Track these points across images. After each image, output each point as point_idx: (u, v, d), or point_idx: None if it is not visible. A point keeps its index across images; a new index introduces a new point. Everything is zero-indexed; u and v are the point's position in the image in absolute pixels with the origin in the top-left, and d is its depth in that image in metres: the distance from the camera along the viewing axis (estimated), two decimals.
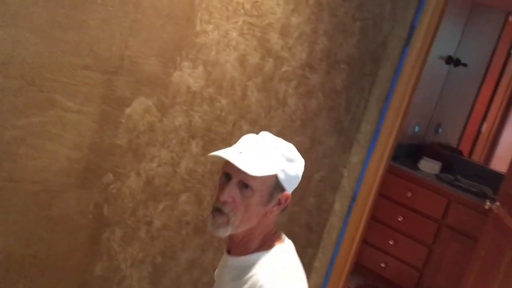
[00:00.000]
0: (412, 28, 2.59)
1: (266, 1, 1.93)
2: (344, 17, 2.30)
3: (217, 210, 1.32)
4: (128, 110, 1.67)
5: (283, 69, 2.14)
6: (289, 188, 1.36)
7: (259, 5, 1.91)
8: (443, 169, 3.80)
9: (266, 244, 1.36)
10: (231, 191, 1.30)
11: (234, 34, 1.87)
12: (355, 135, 2.70)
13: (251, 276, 1.31)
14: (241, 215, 1.32)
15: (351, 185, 2.75)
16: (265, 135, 1.40)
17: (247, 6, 1.87)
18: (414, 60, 2.62)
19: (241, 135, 2.07)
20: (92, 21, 1.48)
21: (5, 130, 1.39)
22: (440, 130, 4.23)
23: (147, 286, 1.92)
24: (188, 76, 1.79)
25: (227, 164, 1.31)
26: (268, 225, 1.38)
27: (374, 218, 3.47)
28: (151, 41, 1.65)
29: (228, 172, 1.32)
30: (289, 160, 1.35)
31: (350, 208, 2.77)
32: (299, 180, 1.40)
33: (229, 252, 1.41)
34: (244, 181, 1.31)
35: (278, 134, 2.24)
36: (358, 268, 3.58)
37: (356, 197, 2.76)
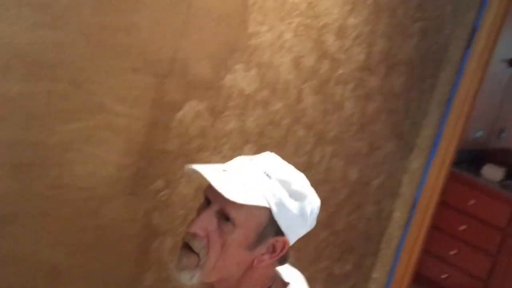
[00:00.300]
0: (473, 30, 2.48)
1: (323, 2, 1.84)
2: (403, 18, 2.18)
3: (185, 246, 1.00)
4: (179, 115, 1.61)
5: (340, 72, 2.04)
6: (289, 231, 1.02)
7: (315, 5, 1.82)
8: (507, 176, 3.61)
9: None
10: (205, 221, 0.98)
11: (288, 35, 1.79)
12: (415, 140, 2.57)
13: None
14: (215, 257, 0.99)
15: (411, 192, 2.62)
16: (267, 156, 1.10)
17: (303, 6, 1.78)
18: (476, 63, 2.52)
19: (296, 139, 2.00)
20: (142, 23, 1.43)
21: (52, 135, 1.35)
22: (503, 135, 4.03)
23: None
24: (241, 79, 1.72)
25: (209, 185, 0.98)
26: (258, 278, 1.04)
27: (435, 227, 3.30)
28: (202, 43, 1.58)
29: (207, 195, 1.02)
30: (293, 193, 1.01)
31: (410, 216, 2.64)
32: (308, 224, 1.06)
33: None
34: (224, 211, 0.98)
35: (335, 139, 2.15)
36: (419, 278, 3.42)
37: (416, 204, 2.63)
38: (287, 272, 1.13)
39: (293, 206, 1.01)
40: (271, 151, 1.87)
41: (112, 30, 1.37)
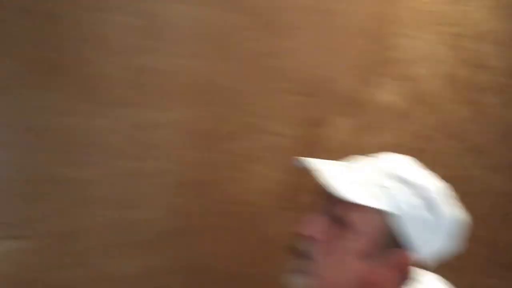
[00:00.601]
0: None
1: (471, 9, 1.83)
2: None
3: (295, 249, 0.92)
4: (325, 131, 1.68)
5: (493, 80, 1.99)
6: (415, 245, 0.86)
7: (463, 12, 1.82)
8: None
9: None
10: (318, 224, 0.89)
11: (435, 45, 1.80)
12: None
13: None
14: (327, 263, 0.88)
15: None
16: (397, 157, 0.93)
17: (450, 14, 1.79)
18: None
19: (447, 153, 1.97)
20: (293, 46, 1.54)
21: (220, 154, 1.48)
22: None
23: None
24: (387, 92, 1.76)
25: (322, 183, 0.88)
26: None
27: None
28: (346, 60, 1.66)
29: (321, 194, 0.91)
30: (424, 201, 0.86)
31: None
32: (445, 240, 0.89)
33: None
34: (340, 213, 0.87)
35: (489, 149, 2.06)
36: None
37: None
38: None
39: (422, 215, 0.86)
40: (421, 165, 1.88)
41: (267, 56, 1.50)
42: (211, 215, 1.49)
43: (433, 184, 0.89)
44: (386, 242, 0.86)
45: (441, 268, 1.00)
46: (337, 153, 1.72)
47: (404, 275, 0.87)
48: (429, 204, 0.86)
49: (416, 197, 0.86)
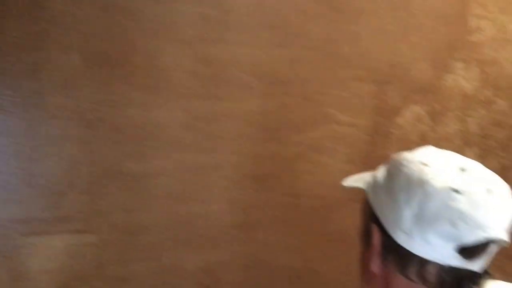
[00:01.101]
0: None
1: None
2: None
3: None
4: (399, 120, 1.60)
5: None
6: (384, 221, 0.82)
7: None
8: None
9: None
10: None
11: None
12: None
13: None
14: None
15: None
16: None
17: None
18: None
19: None
20: (363, 32, 1.45)
21: (285, 147, 1.43)
22: None
23: None
24: (462, 78, 1.65)
25: None
26: None
27: None
28: (421, 45, 1.55)
29: None
30: (390, 175, 0.86)
31: None
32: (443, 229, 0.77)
33: None
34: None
35: None
36: None
37: None
38: None
39: (382, 186, 0.85)
40: (495, 154, 1.78)
41: (336, 42, 1.42)
42: (278, 208, 1.45)
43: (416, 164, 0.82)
44: (367, 223, 0.86)
45: None
46: (412, 143, 1.64)
47: (384, 257, 0.83)
48: (389, 175, 0.85)
49: (383, 172, 0.88)
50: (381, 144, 1.59)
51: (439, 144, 1.68)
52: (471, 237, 0.75)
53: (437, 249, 0.78)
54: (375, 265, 0.85)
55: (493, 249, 0.79)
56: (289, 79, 1.37)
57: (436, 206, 0.77)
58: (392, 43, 1.50)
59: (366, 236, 0.87)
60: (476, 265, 0.79)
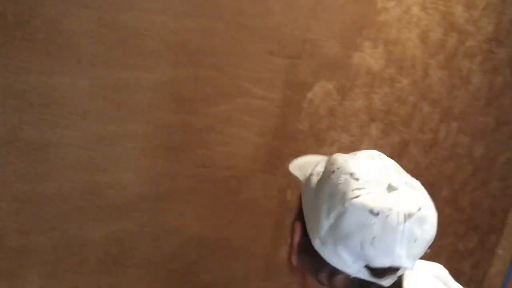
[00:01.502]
0: None
1: None
2: None
3: None
4: (309, 95, 1.65)
5: (467, 44, 1.97)
6: (306, 218, 0.86)
7: None
8: None
9: None
10: None
11: (416, 9, 1.76)
12: None
13: None
14: None
15: None
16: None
17: None
18: None
19: (422, 116, 1.98)
20: (276, 6, 1.47)
21: (197, 118, 1.44)
22: None
23: None
24: (369, 56, 1.72)
25: None
26: None
27: None
28: (332, 23, 1.60)
29: None
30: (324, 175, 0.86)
31: None
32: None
33: None
34: None
35: (461, 114, 2.09)
36: None
37: None
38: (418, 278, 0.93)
39: (312, 183, 0.87)
40: (397, 128, 1.88)
41: (249, 15, 1.43)
42: (189, 179, 1.46)
43: (341, 161, 0.84)
44: (294, 218, 0.88)
45: None
46: (322, 117, 1.70)
47: (300, 256, 0.87)
48: (324, 176, 0.85)
49: (321, 169, 0.88)
50: (292, 118, 1.64)
51: (346, 119, 1.76)
52: (378, 262, 0.78)
53: (346, 263, 0.80)
54: (294, 260, 0.88)
55: (404, 270, 0.82)
56: (201, 50, 1.37)
57: (350, 225, 0.78)
58: (304, 19, 1.54)
59: (292, 229, 0.89)
60: (385, 281, 0.81)
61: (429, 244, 0.83)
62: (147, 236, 1.43)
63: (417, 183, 0.84)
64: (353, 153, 0.89)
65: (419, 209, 0.79)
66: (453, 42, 1.92)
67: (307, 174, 0.92)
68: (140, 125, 1.33)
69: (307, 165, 0.96)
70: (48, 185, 1.27)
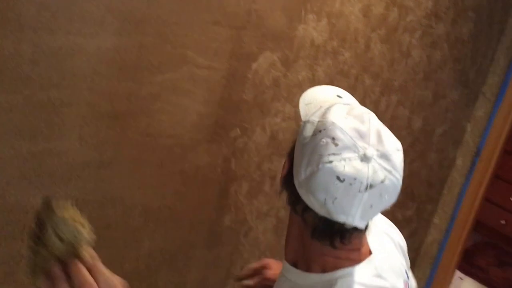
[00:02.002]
0: None
1: None
2: None
3: None
4: (254, 65, 1.67)
5: (408, 19, 2.04)
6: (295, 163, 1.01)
7: None
8: None
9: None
10: None
11: None
12: (480, 88, 2.56)
13: None
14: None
15: (474, 140, 2.62)
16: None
17: None
18: None
19: (363, 88, 2.04)
20: None
21: (142, 87, 1.44)
22: None
23: (272, 237, 1.97)
24: (312, 29, 1.76)
25: None
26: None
27: (495, 175, 3.31)
28: None
29: None
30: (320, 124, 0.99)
31: (473, 164, 2.65)
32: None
33: None
34: None
35: (400, 87, 2.17)
36: (477, 225, 3.45)
37: (480, 152, 2.64)
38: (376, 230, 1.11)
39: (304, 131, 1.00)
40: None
41: None
42: (133, 147, 1.46)
43: (335, 113, 0.98)
44: (290, 148, 1.05)
45: None
46: (266, 88, 1.73)
47: (284, 185, 1.03)
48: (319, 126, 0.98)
49: (317, 118, 0.99)
50: (236, 88, 1.66)
51: (290, 90, 1.80)
52: (335, 217, 0.94)
53: (315, 206, 0.95)
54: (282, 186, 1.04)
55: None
56: (146, 18, 1.37)
57: (319, 183, 0.92)
58: None
59: (285, 159, 1.04)
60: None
61: (385, 209, 0.97)
62: (91, 204, 1.43)
63: (396, 154, 0.96)
64: (351, 108, 1.03)
65: (382, 181, 0.93)
66: (394, 17, 1.97)
67: (308, 116, 1.02)
68: (82, 92, 1.32)
69: (313, 104, 1.07)
70: None
